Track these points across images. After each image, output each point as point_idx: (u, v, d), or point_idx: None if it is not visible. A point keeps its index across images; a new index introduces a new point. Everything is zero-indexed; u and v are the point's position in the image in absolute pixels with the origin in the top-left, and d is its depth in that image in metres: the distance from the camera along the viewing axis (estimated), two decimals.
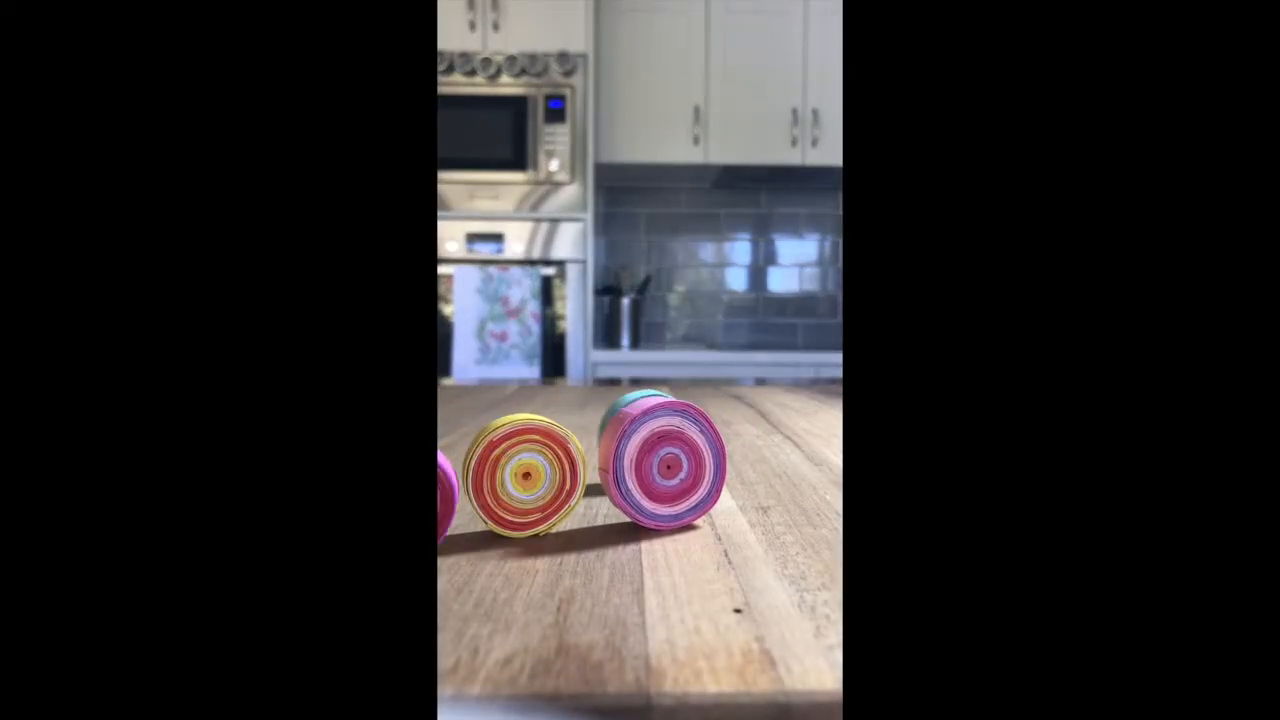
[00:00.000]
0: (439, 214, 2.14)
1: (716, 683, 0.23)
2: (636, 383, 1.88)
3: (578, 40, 2.11)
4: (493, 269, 2.11)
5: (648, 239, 2.56)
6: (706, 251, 2.57)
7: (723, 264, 2.57)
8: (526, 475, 0.39)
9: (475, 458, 0.38)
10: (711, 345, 2.55)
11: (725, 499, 0.46)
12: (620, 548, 0.36)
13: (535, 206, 2.12)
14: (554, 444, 0.39)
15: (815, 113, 2.25)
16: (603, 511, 0.43)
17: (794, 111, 2.25)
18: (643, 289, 2.45)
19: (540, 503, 0.39)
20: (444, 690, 0.22)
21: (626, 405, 0.46)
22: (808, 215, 2.57)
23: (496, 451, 0.38)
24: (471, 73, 2.09)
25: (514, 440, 0.38)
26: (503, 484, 0.38)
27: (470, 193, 2.11)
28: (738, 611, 0.28)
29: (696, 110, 2.24)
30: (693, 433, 0.39)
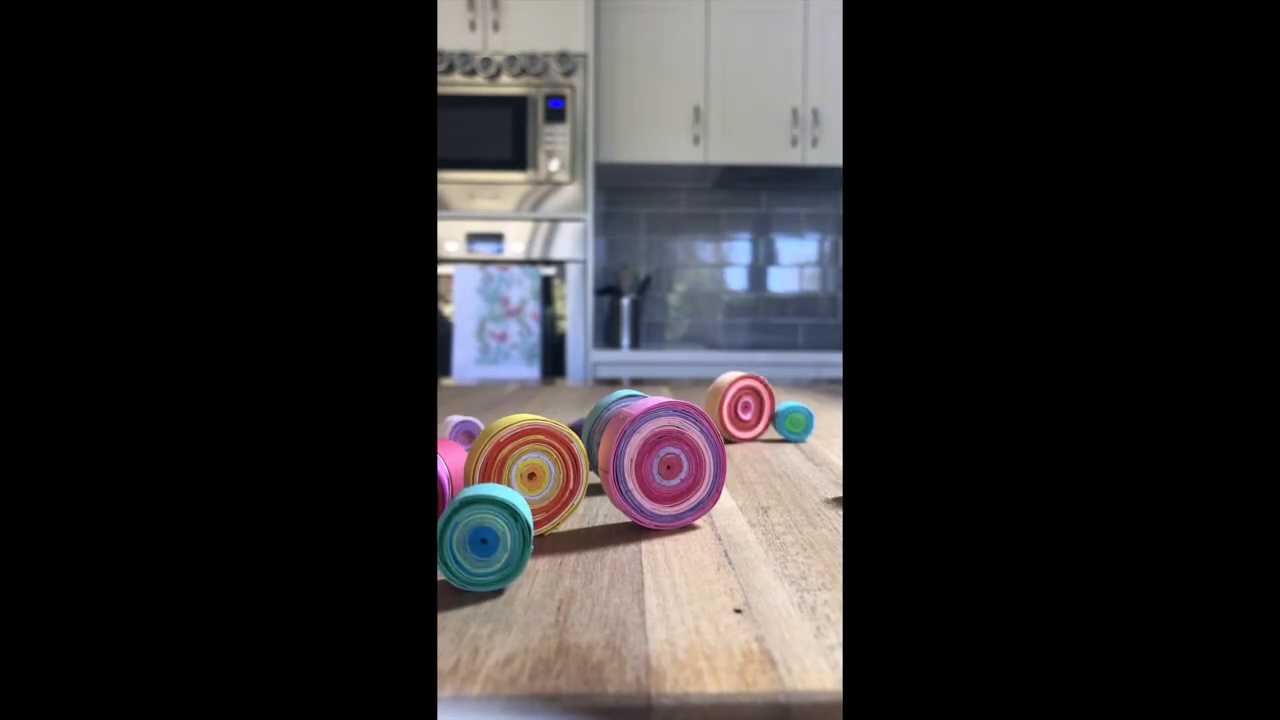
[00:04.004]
0: (439, 214, 2.14)
1: (716, 683, 0.23)
2: (636, 383, 1.88)
3: (578, 40, 2.11)
4: (493, 269, 2.11)
5: (648, 239, 2.56)
6: (706, 251, 2.57)
7: (723, 264, 2.57)
8: (532, 476, 0.39)
9: (482, 458, 0.38)
10: (711, 345, 2.55)
11: (725, 499, 0.46)
12: (620, 548, 0.36)
13: (535, 206, 2.12)
14: (558, 444, 0.39)
15: (815, 113, 2.25)
16: (603, 511, 0.43)
17: (794, 111, 2.25)
18: (643, 289, 2.45)
19: (544, 503, 0.39)
20: (444, 690, 0.22)
21: (614, 406, 0.46)
22: (808, 215, 2.57)
23: (504, 452, 0.38)
24: (471, 73, 2.09)
25: (520, 441, 0.38)
26: (508, 484, 0.38)
27: (470, 193, 2.11)
28: (738, 612, 0.28)
29: (696, 110, 2.24)
30: (693, 433, 0.39)
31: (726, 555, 0.35)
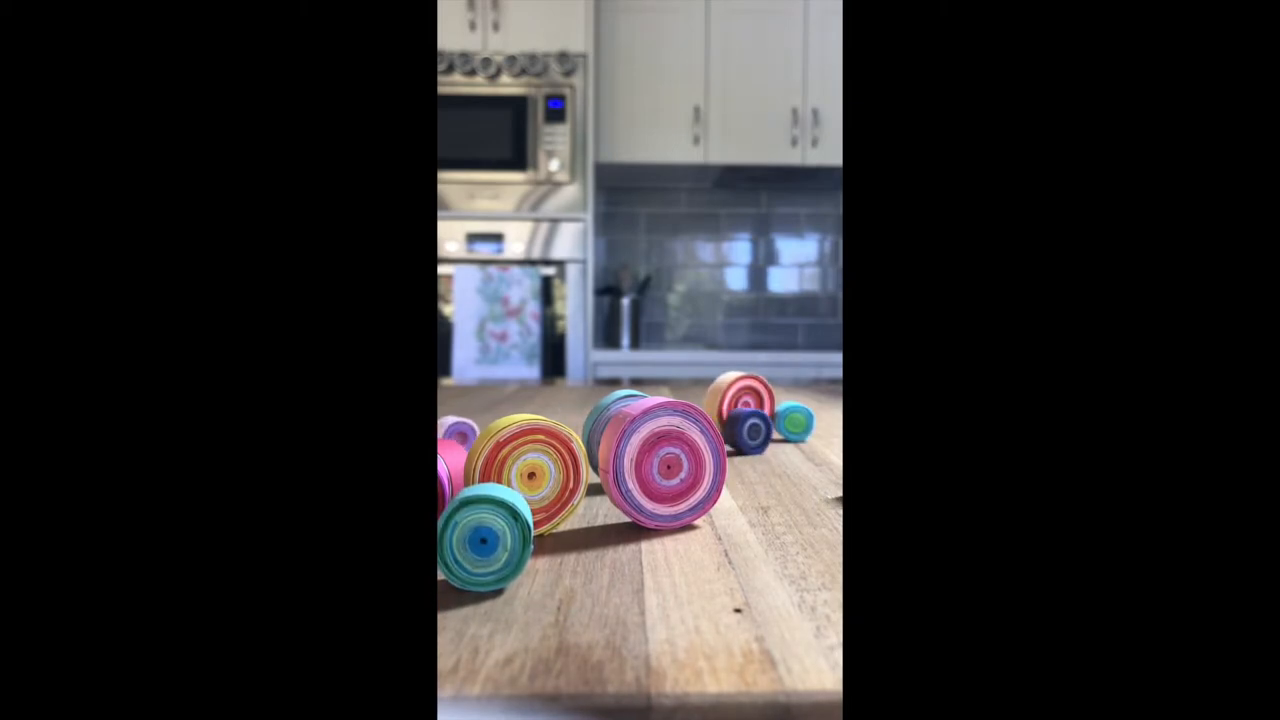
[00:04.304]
0: (439, 214, 2.14)
1: (716, 683, 0.23)
2: (636, 383, 1.88)
3: (578, 40, 2.11)
4: (493, 269, 2.11)
5: (648, 239, 2.56)
6: (706, 251, 2.57)
7: (723, 264, 2.57)
8: (532, 475, 0.39)
9: (482, 458, 0.38)
10: (711, 345, 2.55)
11: (725, 499, 0.46)
12: (620, 548, 0.36)
13: (535, 206, 2.12)
14: (558, 443, 0.39)
15: (815, 113, 2.25)
16: (603, 511, 0.43)
17: (794, 111, 2.25)
18: (643, 289, 2.45)
19: (544, 503, 0.39)
20: (444, 690, 0.22)
21: (614, 406, 0.46)
22: (808, 215, 2.57)
23: (504, 452, 0.38)
24: (471, 73, 2.09)
25: (520, 440, 0.38)
26: (509, 484, 0.38)
27: (470, 193, 2.11)
28: (738, 611, 0.28)
29: (696, 110, 2.24)
30: (693, 433, 0.39)
31: (726, 555, 0.35)
